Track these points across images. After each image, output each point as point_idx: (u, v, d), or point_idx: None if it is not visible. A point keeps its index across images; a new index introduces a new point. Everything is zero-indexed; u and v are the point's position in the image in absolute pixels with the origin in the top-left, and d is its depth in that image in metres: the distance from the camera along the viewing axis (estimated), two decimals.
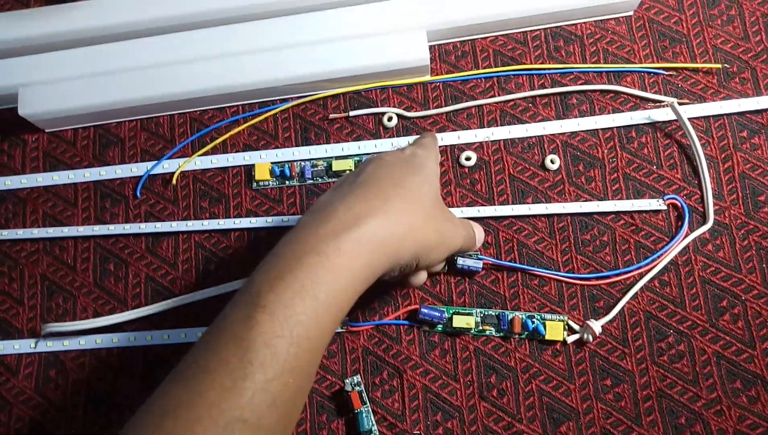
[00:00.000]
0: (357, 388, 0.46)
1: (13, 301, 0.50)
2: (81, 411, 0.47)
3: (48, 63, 0.51)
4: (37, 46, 0.52)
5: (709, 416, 0.45)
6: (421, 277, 0.42)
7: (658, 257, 0.47)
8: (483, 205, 0.49)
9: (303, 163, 0.51)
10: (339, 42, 0.50)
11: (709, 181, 0.48)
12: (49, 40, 0.52)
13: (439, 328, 0.47)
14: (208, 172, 0.52)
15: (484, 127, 0.51)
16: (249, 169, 0.51)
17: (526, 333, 0.46)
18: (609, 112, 0.51)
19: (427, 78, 0.52)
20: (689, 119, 0.49)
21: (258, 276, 0.33)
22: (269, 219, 0.50)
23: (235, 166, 0.51)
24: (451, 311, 0.47)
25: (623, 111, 0.51)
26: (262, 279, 0.32)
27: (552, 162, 0.50)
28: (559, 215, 0.49)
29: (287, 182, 0.51)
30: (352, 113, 0.52)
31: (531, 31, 0.53)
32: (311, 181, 0.51)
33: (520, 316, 0.46)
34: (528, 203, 0.49)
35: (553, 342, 0.46)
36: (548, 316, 0.46)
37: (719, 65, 0.51)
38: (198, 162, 0.52)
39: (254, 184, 0.51)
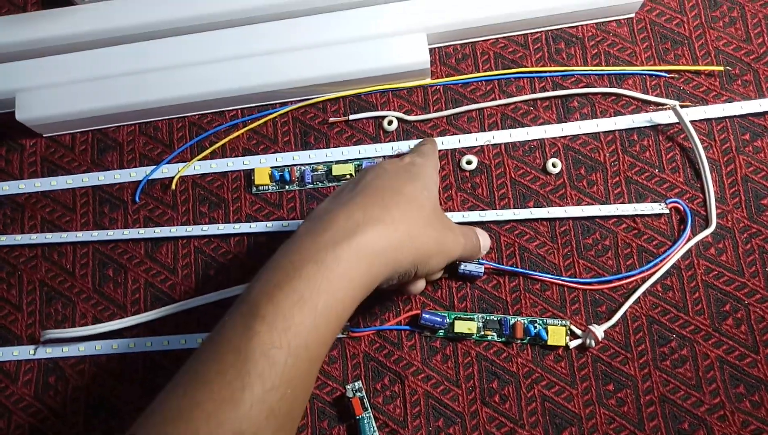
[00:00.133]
0: (358, 394, 0.46)
1: (11, 308, 0.50)
2: (80, 418, 0.47)
3: (45, 67, 0.51)
4: (35, 51, 0.51)
5: (712, 421, 0.44)
6: (420, 285, 0.41)
7: (661, 261, 0.47)
8: (484, 210, 0.49)
9: (303, 168, 0.50)
10: (339, 45, 0.50)
11: (711, 185, 0.48)
12: (47, 45, 0.51)
13: (441, 334, 0.47)
14: (207, 177, 0.51)
15: (485, 130, 0.51)
16: (248, 173, 0.51)
17: (528, 338, 0.46)
18: (610, 115, 0.50)
19: (428, 81, 0.52)
20: (691, 122, 0.48)
21: (256, 285, 0.32)
22: (269, 224, 0.50)
23: (234, 171, 0.51)
24: (452, 316, 0.46)
25: (625, 114, 0.50)
26: (260, 289, 0.32)
27: (553, 165, 0.49)
28: (561, 219, 0.48)
29: (287, 187, 0.50)
30: (352, 117, 0.51)
31: (532, 33, 0.52)
32: (311, 186, 0.50)
33: (522, 321, 0.46)
34: (529, 207, 0.49)
35: (556, 347, 0.46)
36: (550, 320, 0.46)
37: (721, 67, 0.51)
38: (197, 166, 0.51)
39: (254, 189, 0.50)
